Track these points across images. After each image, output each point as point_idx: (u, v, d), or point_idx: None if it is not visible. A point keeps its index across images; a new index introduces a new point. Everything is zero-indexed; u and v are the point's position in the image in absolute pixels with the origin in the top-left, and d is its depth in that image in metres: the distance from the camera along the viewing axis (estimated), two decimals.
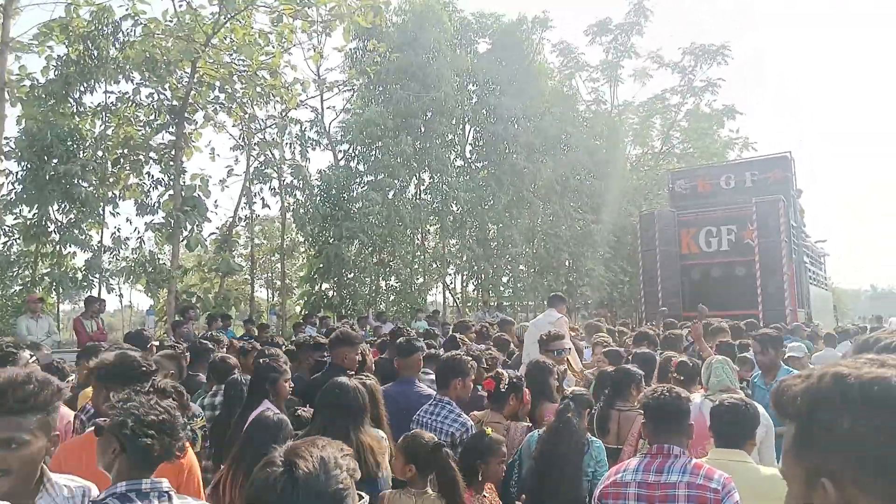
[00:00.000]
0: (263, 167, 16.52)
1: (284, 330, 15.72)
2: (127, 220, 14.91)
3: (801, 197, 21.32)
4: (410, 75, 19.12)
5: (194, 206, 13.88)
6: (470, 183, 20.91)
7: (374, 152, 18.47)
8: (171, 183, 13.99)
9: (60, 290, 12.93)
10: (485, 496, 3.37)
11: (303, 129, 17.45)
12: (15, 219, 12.49)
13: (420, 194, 20.53)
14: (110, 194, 13.88)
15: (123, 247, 13.99)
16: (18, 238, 12.56)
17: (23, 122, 12.38)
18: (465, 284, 23.54)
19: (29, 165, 12.15)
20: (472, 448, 3.52)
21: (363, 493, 1.56)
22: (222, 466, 3.47)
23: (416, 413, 4.20)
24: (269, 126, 16.55)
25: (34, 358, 4.70)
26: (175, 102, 13.95)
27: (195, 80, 13.72)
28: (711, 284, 18.97)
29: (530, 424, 4.37)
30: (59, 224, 12.77)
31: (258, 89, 14.50)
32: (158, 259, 14.48)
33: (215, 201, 19.36)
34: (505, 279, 22.70)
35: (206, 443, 4.28)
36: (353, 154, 18.92)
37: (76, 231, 12.85)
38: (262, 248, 22.79)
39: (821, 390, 1.05)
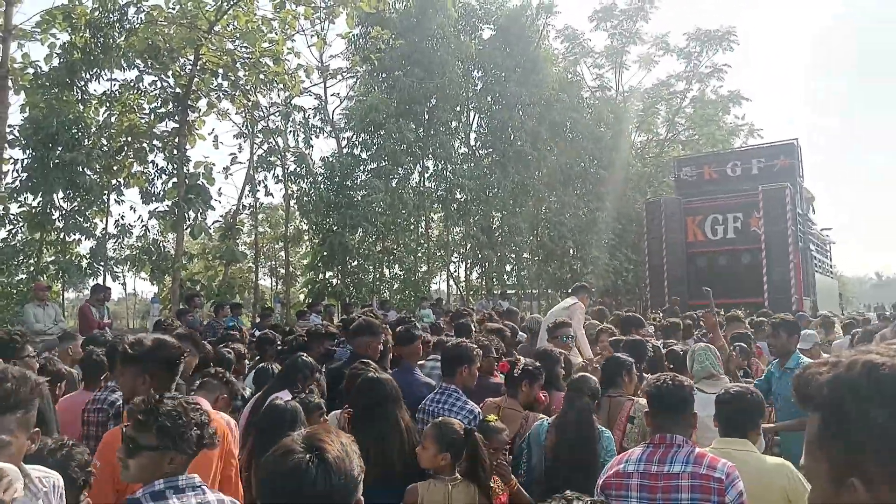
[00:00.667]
0: (267, 155, 16.48)
1: (288, 318, 15.74)
2: (131, 207, 14.94)
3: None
4: (414, 62, 19.01)
5: (198, 193, 13.88)
6: (474, 170, 20.84)
7: (376, 139, 18.40)
8: (175, 171, 13.97)
9: (65, 277, 12.95)
10: (490, 485, 3.36)
11: (306, 116, 17.39)
12: (20, 207, 12.49)
13: (424, 182, 20.48)
14: (115, 182, 13.86)
15: (128, 235, 14.02)
16: (23, 226, 12.55)
17: (27, 110, 12.34)
18: (468, 273, 23.54)
19: (34, 153, 12.13)
20: None
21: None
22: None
23: (423, 402, 4.16)
24: (273, 113, 16.50)
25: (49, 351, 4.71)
26: (178, 90, 13.91)
27: (198, 68, 13.67)
28: (717, 272, 18.95)
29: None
30: (64, 212, 12.77)
31: (261, 76, 14.43)
32: (163, 247, 14.50)
33: (219, 189, 19.37)
34: (509, 267, 22.67)
35: None
36: (356, 142, 18.86)
37: (81, 219, 12.86)
38: (266, 236, 22.80)
39: (851, 380, 0.97)
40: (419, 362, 5.23)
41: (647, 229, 21.23)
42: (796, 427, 4.67)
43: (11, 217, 12.39)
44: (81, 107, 13.00)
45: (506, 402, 4.27)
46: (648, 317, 14.36)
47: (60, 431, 3.43)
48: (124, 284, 29.61)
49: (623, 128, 27.44)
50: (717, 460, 2.78)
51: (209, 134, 15.34)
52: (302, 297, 18.75)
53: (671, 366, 4.76)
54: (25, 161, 12.24)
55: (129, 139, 14.06)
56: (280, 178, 17.02)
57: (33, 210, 12.39)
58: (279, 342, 6.09)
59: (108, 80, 13.57)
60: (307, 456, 1.40)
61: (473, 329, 6.84)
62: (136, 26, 13.11)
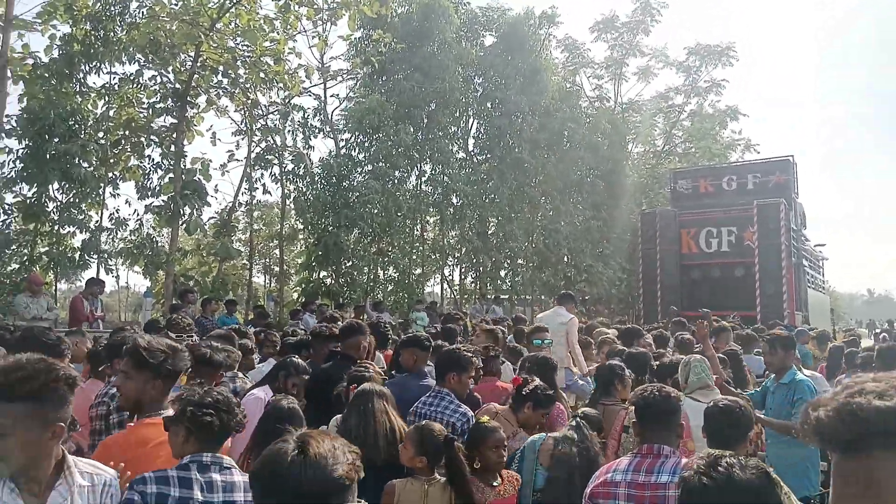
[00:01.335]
0: (265, 153, 16.48)
1: (281, 317, 15.72)
2: (126, 201, 14.93)
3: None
4: (415, 66, 19.04)
5: (194, 190, 13.85)
6: (471, 175, 20.87)
7: (374, 142, 18.43)
8: (172, 166, 13.95)
9: (58, 269, 12.91)
10: (494, 485, 3.39)
11: (305, 116, 17.40)
12: (15, 197, 12.44)
13: (420, 185, 20.50)
14: (111, 175, 13.83)
15: (122, 228, 13.98)
16: (17, 216, 12.51)
17: (24, 101, 12.31)
18: (463, 277, 23.56)
19: (30, 144, 12.08)
20: (469, 437, 3.56)
21: (363, 501, 1.63)
22: None
23: (415, 404, 4.18)
24: (272, 112, 16.50)
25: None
26: (178, 85, 13.90)
27: (198, 64, 13.67)
28: (710, 284, 19.05)
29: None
30: (59, 203, 12.73)
31: (262, 75, 14.44)
32: (157, 242, 14.46)
33: (216, 186, 19.28)
34: (503, 273, 22.70)
35: None
36: (354, 143, 18.87)
37: (75, 211, 12.82)
38: (261, 234, 22.78)
39: None
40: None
41: (641, 240, 21.31)
42: (781, 428, 4.73)
43: (6, 207, 12.33)
44: (79, 99, 12.97)
45: (505, 412, 4.20)
46: (643, 326, 14.42)
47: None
48: (117, 277, 29.49)
49: (620, 138, 27.53)
50: None
51: (207, 130, 15.30)
52: (295, 295, 18.72)
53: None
54: (21, 151, 12.17)
55: (127, 133, 14.05)
56: (277, 176, 17.02)
57: (28, 200, 12.34)
58: (278, 342, 6.19)
59: (107, 73, 13.55)
60: (293, 450, 1.47)
61: (465, 333, 6.88)
62: (138, 20, 13.11)
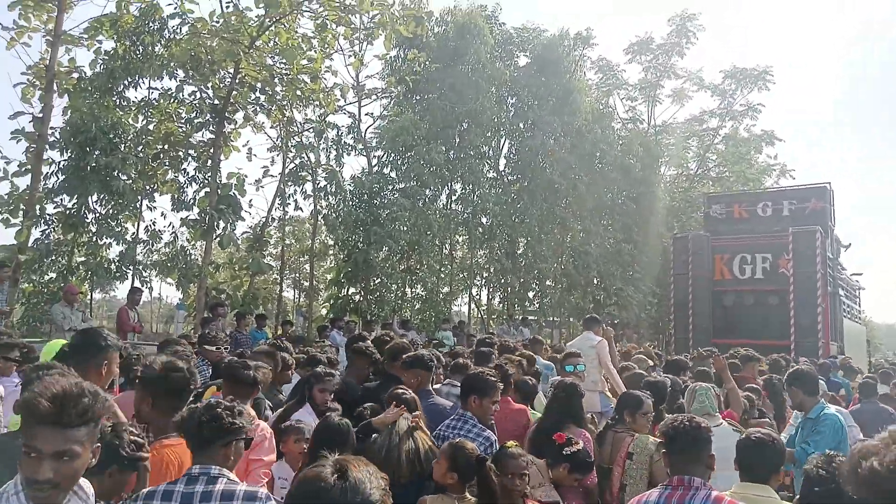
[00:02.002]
0: (298, 170, 16.66)
1: (310, 332, 15.80)
2: (162, 214, 15.12)
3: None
4: (448, 86, 19.18)
5: (229, 204, 14.02)
6: (502, 196, 20.86)
7: (406, 160, 18.55)
8: (208, 180, 14.18)
9: (94, 279, 13.15)
10: None
11: (339, 133, 17.58)
12: (55, 207, 12.75)
13: (451, 204, 20.54)
14: (148, 188, 14.09)
15: (157, 240, 14.21)
16: (57, 227, 12.81)
17: (68, 114, 12.64)
18: (490, 297, 23.47)
19: (72, 156, 12.39)
20: (493, 461, 3.53)
21: None
22: None
23: (439, 428, 4.17)
24: (307, 129, 16.71)
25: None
26: (217, 101, 14.16)
27: (237, 81, 13.92)
28: (744, 312, 18.69)
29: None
30: (98, 215, 13.01)
31: (298, 93, 14.64)
32: (190, 255, 14.67)
33: (250, 201, 19.53)
34: (531, 294, 22.57)
35: None
36: (386, 161, 19.02)
37: (113, 223, 13.08)
38: (293, 250, 22.98)
39: None
40: (434, 386, 5.23)
41: (673, 264, 21.02)
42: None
43: (47, 217, 12.63)
44: (120, 112, 13.28)
45: (540, 464, 4.02)
46: (670, 352, 14.23)
47: None
48: (150, 289, 29.93)
49: (653, 161, 27.32)
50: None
51: (243, 146, 15.53)
52: (324, 311, 18.82)
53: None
54: (63, 163, 12.50)
55: (166, 147, 14.33)
56: (309, 193, 17.19)
57: (68, 211, 12.64)
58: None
59: (146, 88, 13.87)
60: (332, 474, 1.54)
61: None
62: (178, 37, 13.41)
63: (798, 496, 3.24)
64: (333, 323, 14.00)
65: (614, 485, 4.38)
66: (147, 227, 14.23)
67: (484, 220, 20.42)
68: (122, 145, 12.88)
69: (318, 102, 15.41)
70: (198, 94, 14.27)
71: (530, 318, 21.39)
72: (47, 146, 12.30)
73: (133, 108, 13.74)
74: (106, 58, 12.98)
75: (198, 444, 2.50)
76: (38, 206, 12.21)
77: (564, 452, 3.96)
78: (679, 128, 32.04)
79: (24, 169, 12.12)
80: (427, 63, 17.27)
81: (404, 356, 5.04)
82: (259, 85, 14.30)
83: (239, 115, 14.73)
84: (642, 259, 25.48)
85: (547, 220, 21.78)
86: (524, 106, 22.34)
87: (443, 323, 16.85)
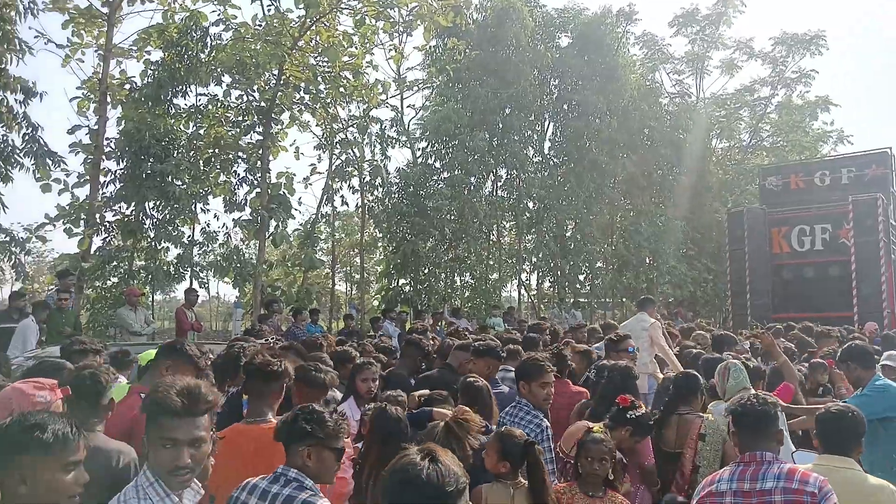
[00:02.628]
0: (344, 165, 16.87)
1: (363, 324, 16.05)
2: (215, 216, 15.48)
3: None
4: (490, 72, 19.08)
5: (280, 203, 14.32)
6: (548, 179, 20.68)
7: (449, 149, 18.56)
8: (258, 181, 14.50)
9: (154, 282, 13.64)
10: (593, 496, 3.44)
11: (383, 127, 17.72)
12: (114, 215, 13.24)
13: (496, 190, 20.48)
14: (201, 191, 14.49)
15: (213, 242, 14.62)
16: (117, 234, 13.30)
17: (122, 124, 13.09)
18: (540, 281, 23.35)
19: (128, 165, 12.83)
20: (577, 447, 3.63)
21: None
22: None
23: (500, 415, 4.33)
24: (351, 125, 16.89)
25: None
26: (263, 103, 14.43)
27: (281, 82, 14.16)
28: (804, 285, 18.21)
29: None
30: (155, 220, 13.44)
31: (341, 90, 14.81)
32: (244, 254, 15.05)
33: (299, 198, 19.90)
34: (582, 276, 22.33)
35: None
36: (430, 152, 19.07)
37: (170, 227, 13.50)
38: (342, 244, 23.30)
39: None
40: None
41: (728, 240, 20.57)
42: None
43: (107, 225, 13.14)
44: (171, 120, 13.67)
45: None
46: (728, 329, 13.93)
47: None
48: (208, 289, 30.79)
49: (703, 134, 26.63)
50: (808, 475, 2.80)
51: (291, 145, 15.78)
52: (376, 303, 19.08)
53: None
54: (120, 172, 12.96)
55: (216, 151, 14.69)
56: (356, 187, 17.39)
57: (126, 218, 13.11)
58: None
59: (195, 94, 14.22)
60: (425, 461, 1.64)
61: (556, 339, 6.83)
62: (221, 43, 13.70)
63: None
64: (385, 314, 14.18)
65: (686, 466, 4.35)
66: (202, 229, 14.64)
67: (531, 204, 20.30)
68: (175, 151, 13.24)
69: (361, 98, 15.56)
70: (244, 98, 14.56)
71: (582, 300, 21.23)
72: (104, 156, 12.80)
73: (183, 115, 14.10)
74: (155, 68, 13.36)
75: (284, 444, 2.66)
76: (97, 215, 12.71)
77: (629, 416, 4.02)
78: (729, 99, 31.11)
79: (82, 180, 12.65)
80: (467, 51, 17.22)
81: (477, 344, 5.23)
82: (303, 85, 14.50)
83: (285, 116, 14.98)
84: (696, 236, 24.95)
85: (595, 201, 21.50)
86: (567, 87, 22.05)
87: (493, 309, 16.87)
